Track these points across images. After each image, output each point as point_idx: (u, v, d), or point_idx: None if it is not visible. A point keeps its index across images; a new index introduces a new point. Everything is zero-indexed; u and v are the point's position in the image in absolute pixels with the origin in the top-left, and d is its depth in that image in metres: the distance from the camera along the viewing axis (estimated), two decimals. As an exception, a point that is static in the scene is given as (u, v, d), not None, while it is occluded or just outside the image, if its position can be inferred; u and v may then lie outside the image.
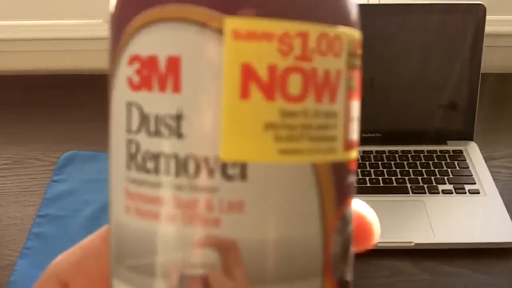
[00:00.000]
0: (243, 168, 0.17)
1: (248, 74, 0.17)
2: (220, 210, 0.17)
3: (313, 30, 0.17)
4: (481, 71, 0.88)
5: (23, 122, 1.00)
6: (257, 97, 0.17)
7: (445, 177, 0.84)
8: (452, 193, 0.81)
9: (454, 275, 0.72)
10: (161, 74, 0.17)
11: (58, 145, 0.94)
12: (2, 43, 1.12)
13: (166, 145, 0.17)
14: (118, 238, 0.18)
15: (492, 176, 0.84)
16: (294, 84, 0.17)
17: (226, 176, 0.17)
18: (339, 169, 0.18)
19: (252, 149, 0.17)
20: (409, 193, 0.81)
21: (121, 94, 0.18)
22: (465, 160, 0.87)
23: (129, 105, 0.18)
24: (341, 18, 0.18)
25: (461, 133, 0.91)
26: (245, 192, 0.17)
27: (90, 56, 1.13)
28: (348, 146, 0.19)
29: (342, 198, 0.18)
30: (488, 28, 0.87)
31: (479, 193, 0.81)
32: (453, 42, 0.88)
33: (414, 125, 0.91)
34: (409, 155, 0.88)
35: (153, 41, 0.17)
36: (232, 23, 0.17)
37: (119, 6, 0.18)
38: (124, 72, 0.18)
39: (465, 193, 0.81)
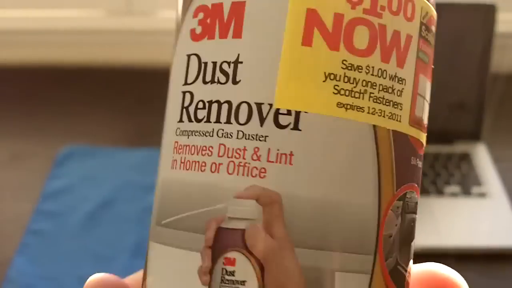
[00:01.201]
0: (296, 118, 0.16)
1: (312, 20, 0.16)
2: (267, 159, 0.16)
3: None
4: (493, 71, 0.87)
5: (22, 116, 0.98)
6: (320, 45, 0.16)
7: (452, 179, 0.82)
8: (459, 195, 0.80)
9: (460, 279, 0.70)
10: (224, 20, 0.17)
11: (57, 139, 0.92)
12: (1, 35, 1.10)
13: (220, 92, 0.16)
14: (162, 196, 0.17)
15: (499, 178, 0.83)
16: (360, 37, 0.16)
17: (278, 124, 0.16)
18: (402, 142, 0.17)
19: (309, 98, 0.16)
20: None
21: (182, 48, 0.18)
22: (472, 161, 0.85)
23: (189, 57, 0.17)
24: None
25: (469, 133, 0.89)
26: (295, 142, 0.16)
27: (90, 49, 1.11)
28: (414, 122, 0.18)
29: (404, 177, 0.17)
30: (500, 28, 0.85)
31: (486, 195, 0.80)
32: (463, 41, 0.86)
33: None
34: (416, 155, 0.87)
35: None
36: None
37: None
38: (188, 26, 0.18)
39: (472, 195, 0.79)
